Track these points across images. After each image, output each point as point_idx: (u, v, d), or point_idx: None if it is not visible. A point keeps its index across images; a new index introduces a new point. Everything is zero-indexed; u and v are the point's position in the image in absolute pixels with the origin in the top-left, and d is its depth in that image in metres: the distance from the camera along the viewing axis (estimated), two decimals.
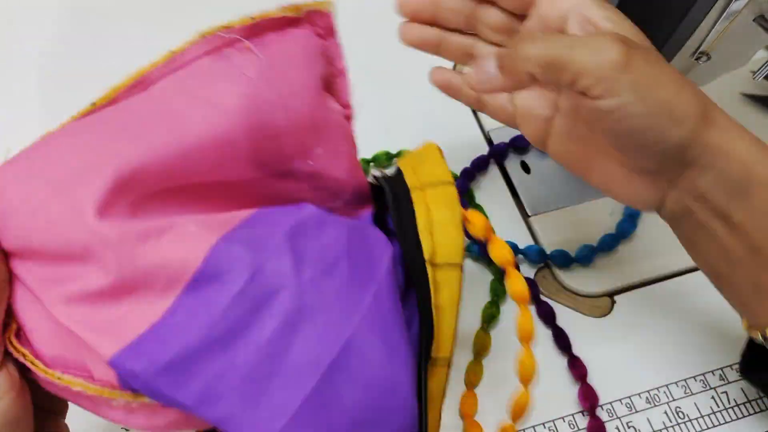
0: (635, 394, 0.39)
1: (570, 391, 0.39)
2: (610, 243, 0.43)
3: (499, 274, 0.43)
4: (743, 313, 0.33)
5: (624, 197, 0.33)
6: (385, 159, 0.47)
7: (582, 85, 0.29)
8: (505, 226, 0.45)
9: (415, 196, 0.29)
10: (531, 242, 0.45)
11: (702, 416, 0.38)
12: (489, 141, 0.49)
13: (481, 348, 0.40)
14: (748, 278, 0.31)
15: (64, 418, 0.29)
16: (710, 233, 0.31)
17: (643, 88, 0.28)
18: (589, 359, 0.40)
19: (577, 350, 0.41)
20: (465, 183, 0.46)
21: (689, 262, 0.44)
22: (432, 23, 0.36)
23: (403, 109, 0.49)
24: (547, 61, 0.30)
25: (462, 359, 0.40)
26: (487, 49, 0.36)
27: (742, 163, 0.29)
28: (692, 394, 0.39)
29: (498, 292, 0.42)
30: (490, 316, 0.41)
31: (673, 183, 0.31)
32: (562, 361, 0.40)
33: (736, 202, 0.30)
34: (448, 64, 0.39)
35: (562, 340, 0.40)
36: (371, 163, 0.47)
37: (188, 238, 0.23)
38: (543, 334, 0.41)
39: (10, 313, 0.24)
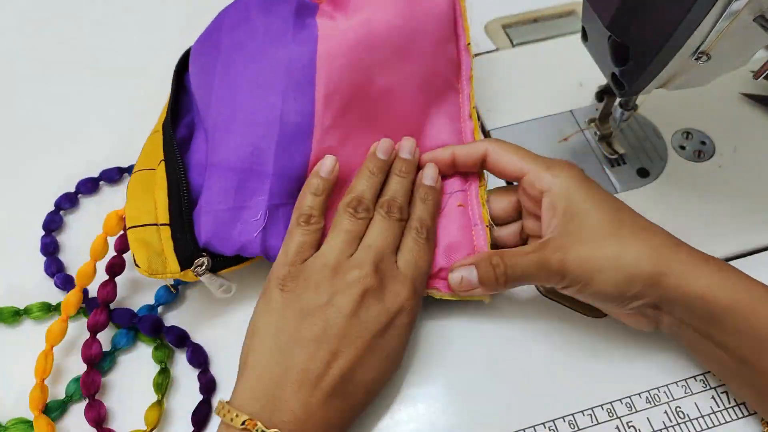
0: (635, 394, 0.39)
1: (570, 390, 0.39)
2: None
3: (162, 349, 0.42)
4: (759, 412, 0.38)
5: (628, 323, 0.39)
6: None
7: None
8: None
9: None
10: None
11: (702, 416, 0.38)
12: None
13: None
14: (745, 384, 0.36)
15: None
16: (704, 348, 0.37)
17: (585, 278, 0.36)
18: (588, 359, 0.40)
19: (577, 350, 0.41)
20: None
21: None
22: None
23: None
24: (516, 281, 0.38)
25: None
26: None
27: (702, 298, 0.34)
28: (692, 393, 0.39)
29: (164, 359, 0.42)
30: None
31: (660, 314, 0.37)
32: None
33: (711, 327, 0.35)
34: None
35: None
36: None
37: None
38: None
39: None
